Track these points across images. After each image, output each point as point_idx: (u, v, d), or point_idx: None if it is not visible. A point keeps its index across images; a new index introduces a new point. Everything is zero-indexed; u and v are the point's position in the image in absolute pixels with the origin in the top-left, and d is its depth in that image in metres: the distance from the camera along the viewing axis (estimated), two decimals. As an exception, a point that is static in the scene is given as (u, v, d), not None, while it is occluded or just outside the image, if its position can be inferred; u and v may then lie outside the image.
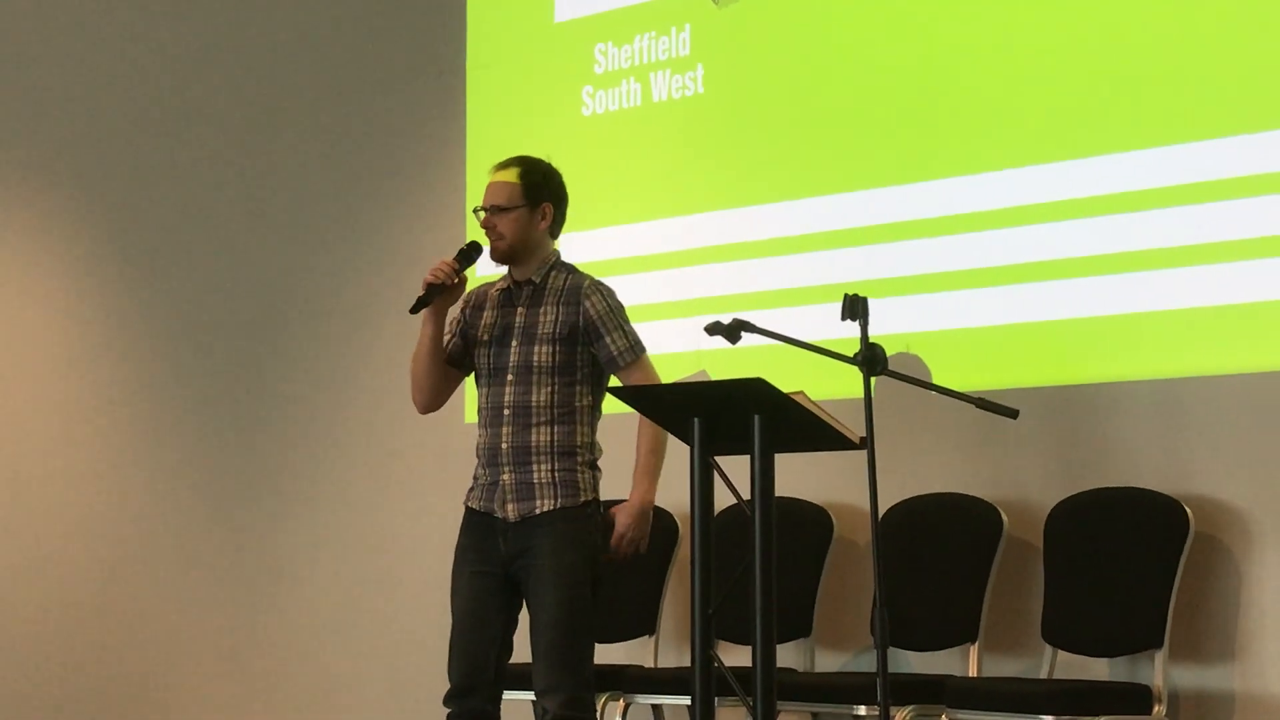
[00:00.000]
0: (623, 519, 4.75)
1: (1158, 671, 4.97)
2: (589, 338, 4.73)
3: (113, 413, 7.34)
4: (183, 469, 7.41)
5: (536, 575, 4.64)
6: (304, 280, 7.27)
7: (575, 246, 6.42)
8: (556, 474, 4.69)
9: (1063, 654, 5.19)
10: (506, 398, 4.72)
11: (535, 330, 4.73)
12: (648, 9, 6.32)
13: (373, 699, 6.93)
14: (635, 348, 4.77)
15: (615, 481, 6.11)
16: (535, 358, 4.71)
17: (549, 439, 4.70)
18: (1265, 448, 5.00)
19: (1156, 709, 4.94)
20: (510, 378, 4.73)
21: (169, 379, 7.45)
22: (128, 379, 7.42)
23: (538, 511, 4.68)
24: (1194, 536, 5.00)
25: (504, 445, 4.72)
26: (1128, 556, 5.09)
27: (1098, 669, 5.19)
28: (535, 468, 4.69)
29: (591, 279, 4.81)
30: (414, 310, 4.77)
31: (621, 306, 4.80)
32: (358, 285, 7.13)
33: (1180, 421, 5.16)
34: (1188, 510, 5.02)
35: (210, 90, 7.50)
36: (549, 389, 4.71)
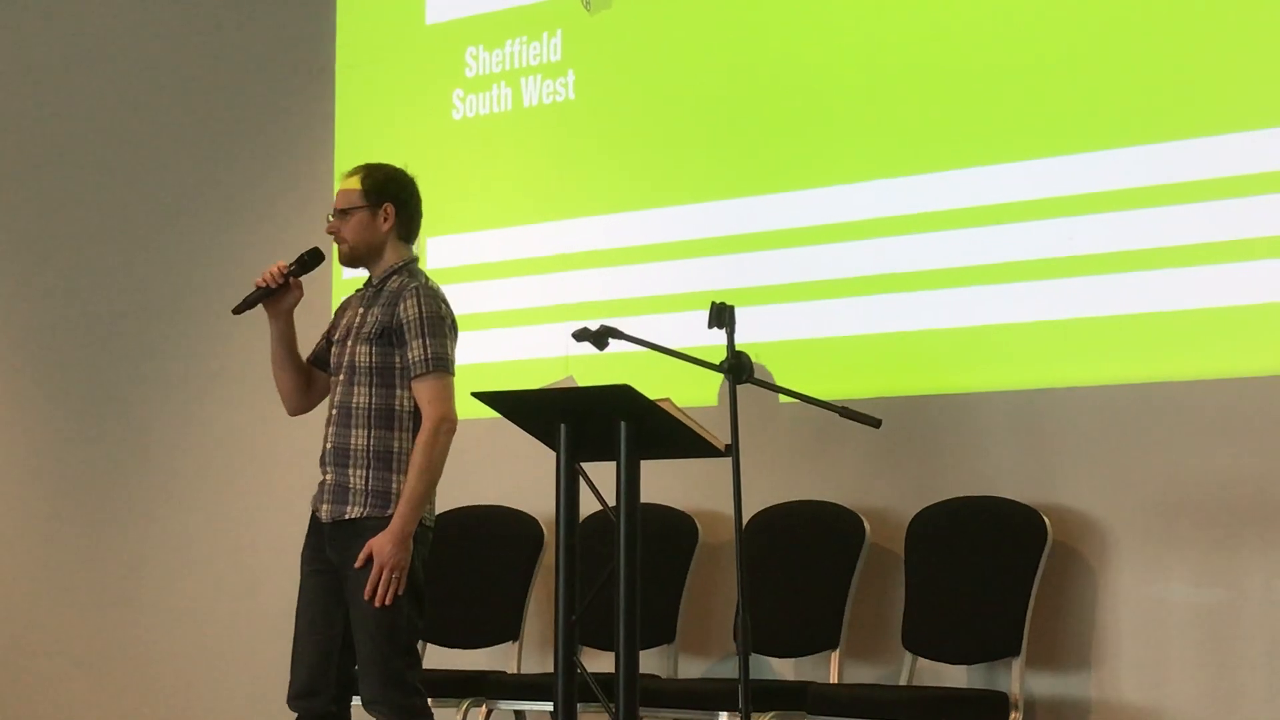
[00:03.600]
0: (378, 548, 4.54)
1: (1015, 679, 5.03)
2: (398, 341, 4.66)
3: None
4: (38, 469, 7.32)
5: (352, 586, 4.59)
6: (166, 280, 7.19)
7: (445, 250, 6.42)
8: (370, 481, 4.62)
9: (922, 661, 5.24)
10: (336, 398, 4.71)
11: (361, 331, 4.71)
12: (519, 13, 6.31)
13: (231, 702, 6.87)
14: (431, 362, 4.60)
15: (480, 487, 6.10)
16: (357, 358, 4.68)
17: (365, 443, 4.64)
18: (1121, 459, 5.08)
19: (1013, 716, 5.00)
20: (341, 378, 4.71)
21: (24, 378, 7.35)
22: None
23: (347, 516, 4.62)
24: (1051, 546, 5.07)
25: (328, 445, 4.69)
26: (987, 565, 5.15)
27: (956, 676, 5.25)
28: (351, 471, 4.64)
29: (420, 285, 4.68)
30: (235, 311, 4.78)
31: (438, 318, 4.64)
32: (221, 285, 7.05)
33: (1039, 432, 5.24)
34: (1046, 520, 5.09)
35: (74, 88, 7.41)
36: (367, 390, 4.65)
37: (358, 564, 4.56)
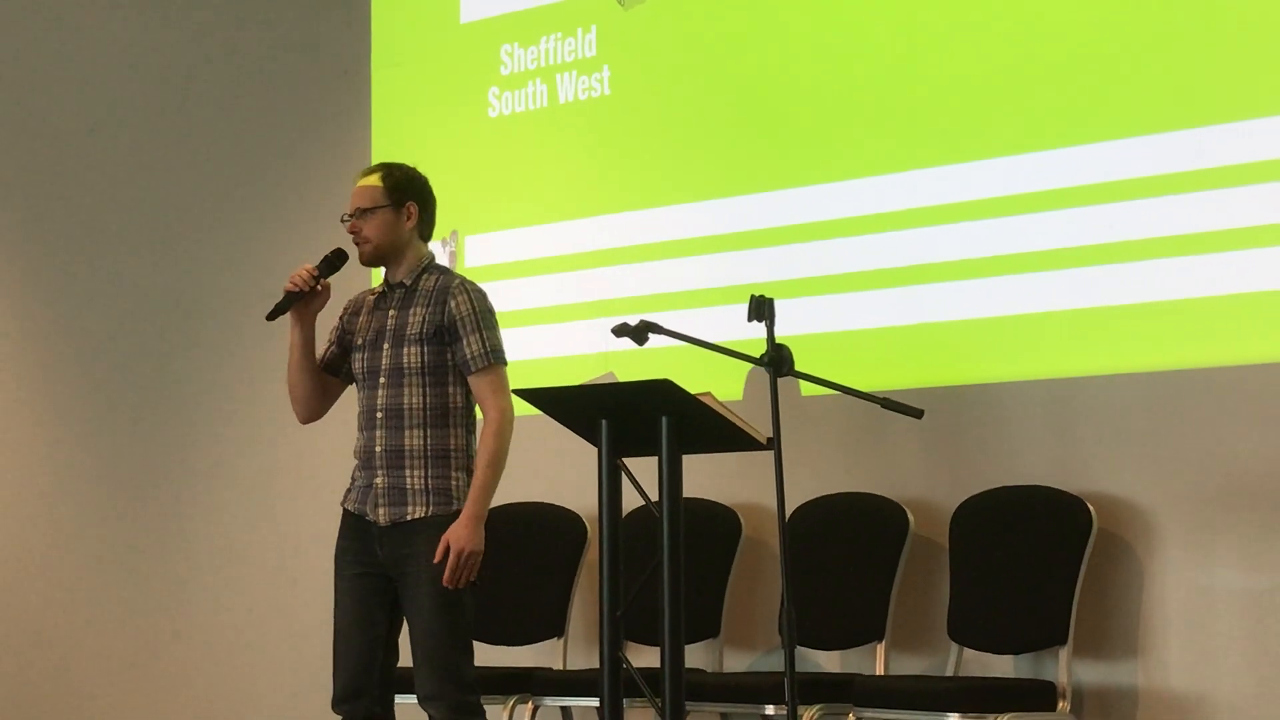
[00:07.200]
0: (455, 535, 4.55)
1: (1062, 668, 5.02)
2: (451, 337, 4.68)
3: (15, 414, 7.27)
4: (85, 471, 7.35)
5: (412, 583, 4.61)
6: (208, 281, 7.22)
7: (483, 248, 6.43)
8: (430, 480, 4.64)
9: (968, 651, 5.23)
10: (379, 400, 4.69)
11: (404, 332, 4.69)
12: (554, 10, 6.32)
13: (275, 703, 6.89)
14: (490, 355, 4.65)
15: (522, 484, 6.11)
16: (405, 359, 4.68)
17: (422, 443, 4.65)
18: (1165, 446, 5.06)
19: (1061, 705, 4.99)
20: (382, 380, 4.70)
21: (72, 381, 7.39)
22: (30, 381, 7.35)
23: (409, 518, 4.64)
24: (1097, 534, 5.05)
25: (378, 448, 4.68)
26: (1032, 554, 5.14)
27: (1003, 666, 5.23)
28: (408, 472, 4.65)
29: (462, 279, 4.74)
30: (269, 317, 4.74)
31: (489, 311, 4.70)
32: (262, 286, 7.06)
33: (1082, 420, 5.21)
34: (1091, 508, 5.07)
35: (113, 89, 7.43)
36: (420, 391, 4.67)
37: (436, 559, 4.54)
